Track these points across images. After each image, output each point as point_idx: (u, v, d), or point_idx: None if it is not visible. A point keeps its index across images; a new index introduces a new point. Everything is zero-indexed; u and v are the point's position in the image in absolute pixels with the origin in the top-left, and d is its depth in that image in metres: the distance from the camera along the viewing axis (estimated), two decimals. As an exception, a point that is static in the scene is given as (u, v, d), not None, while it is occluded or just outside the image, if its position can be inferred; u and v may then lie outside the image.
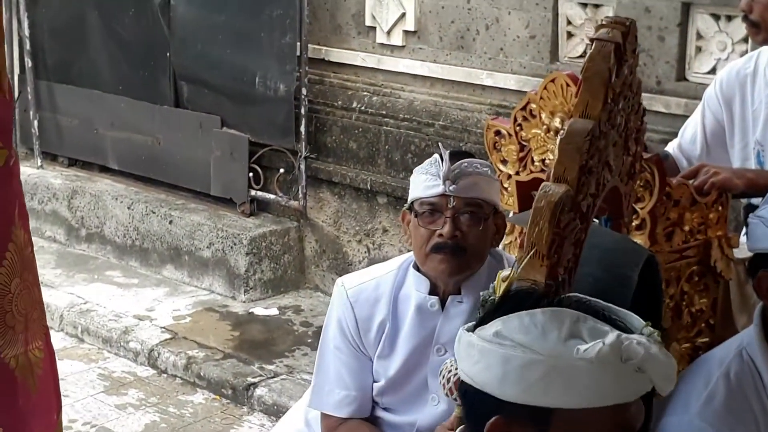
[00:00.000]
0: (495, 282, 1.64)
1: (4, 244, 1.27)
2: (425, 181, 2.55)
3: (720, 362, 2.19)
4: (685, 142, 3.62)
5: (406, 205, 2.63)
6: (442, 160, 2.53)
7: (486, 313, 1.60)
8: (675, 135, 4.05)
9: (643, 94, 2.43)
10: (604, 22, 2.08)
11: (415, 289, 2.61)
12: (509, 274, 1.63)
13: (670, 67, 4.68)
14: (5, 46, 1.43)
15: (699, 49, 4.65)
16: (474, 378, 1.55)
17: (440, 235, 2.51)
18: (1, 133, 1.24)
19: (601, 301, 1.60)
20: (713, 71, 4.57)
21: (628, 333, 1.52)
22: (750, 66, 3.43)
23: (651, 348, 1.49)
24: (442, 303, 2.60)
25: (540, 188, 1.82)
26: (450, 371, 2.25)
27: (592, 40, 2.03)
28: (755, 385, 2.16)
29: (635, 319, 1.56)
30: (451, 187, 2.51)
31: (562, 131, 1.89)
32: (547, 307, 1.55)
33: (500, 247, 3.01)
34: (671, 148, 3.63)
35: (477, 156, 2.72)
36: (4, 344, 1.31)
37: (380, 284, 2.65)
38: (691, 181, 2.92)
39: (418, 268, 2.64)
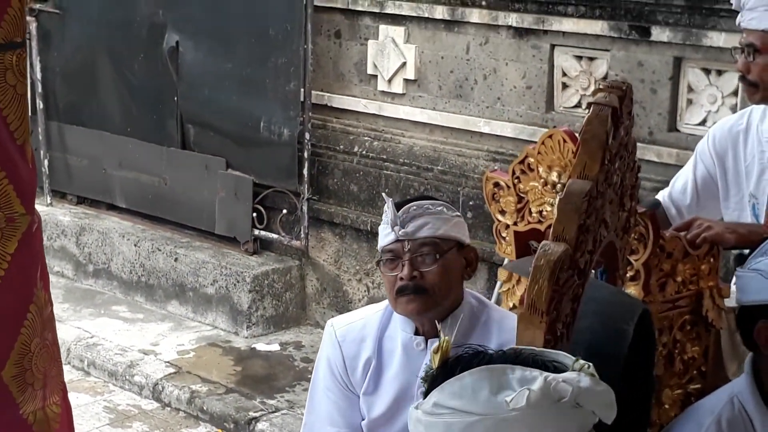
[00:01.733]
0: (430, 356, 1.64)
1: (26, 306, 1.27)
2: (383, 231, 2.60)
3: (712, 410, 2.19)
4: (676, 192, 3.63)
5: (377, 257, 2.66)
6: (389, 207, 2.56)
7: (428, 387, 1.60)
8: (667, 183, 4.06)
9: (636, 144, 2.44)
10: (601, 86, 2.10)
11: (401, 329, 2.62)
12: (439, 344, 1.62)
13: (662, 119, 4.71)
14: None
15: (690, 102, 4.67)
16: None
17: (401, 278, 2.54)
18: (25, 200, 1.26)
19: (531, 347, 1.61)
20: (704, 123, 4.60)
21: (560, 372, 1.52)
22: (743, 123, 3.45)
23: (581, 382, 1.50)
24: (426, 344, 2.61)
25: (540, 247, 1.83)
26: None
27: (589, 104, 2.04)
28: None
29: (566, 357, 1.57)
30: (400, 232, 2.54)
31: (560, 192, 1.91)
32: (478, 365, 1.55)
33: (494, 294, 3.01)
34: (661, 196, 3.64)
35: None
36: (23, 401, 1.32)
37: (367, 324, 2.67)
38: (683, 233, 2.93)
39: None
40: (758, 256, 2.28)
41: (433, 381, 1.58)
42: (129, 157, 6.46)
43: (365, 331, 2.66)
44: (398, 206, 2.57)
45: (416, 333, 2.60)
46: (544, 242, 1.84)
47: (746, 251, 3.48)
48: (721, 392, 2.25)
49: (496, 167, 5.15)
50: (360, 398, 2.65)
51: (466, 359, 1.56)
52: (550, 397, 1.48)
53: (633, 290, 2.71)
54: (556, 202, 1.90)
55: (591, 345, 2.08)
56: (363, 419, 2.67)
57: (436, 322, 2.47)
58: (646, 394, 2.33)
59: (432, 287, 2.52)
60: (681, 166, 3.85)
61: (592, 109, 2.03)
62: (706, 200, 3.55)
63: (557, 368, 1.53)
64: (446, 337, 1.58)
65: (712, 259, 2.91)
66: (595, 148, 1.98)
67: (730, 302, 3.03)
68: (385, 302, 2.70)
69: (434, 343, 2.54)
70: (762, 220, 3.21)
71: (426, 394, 1.61)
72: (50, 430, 1.42)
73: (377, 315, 2.66)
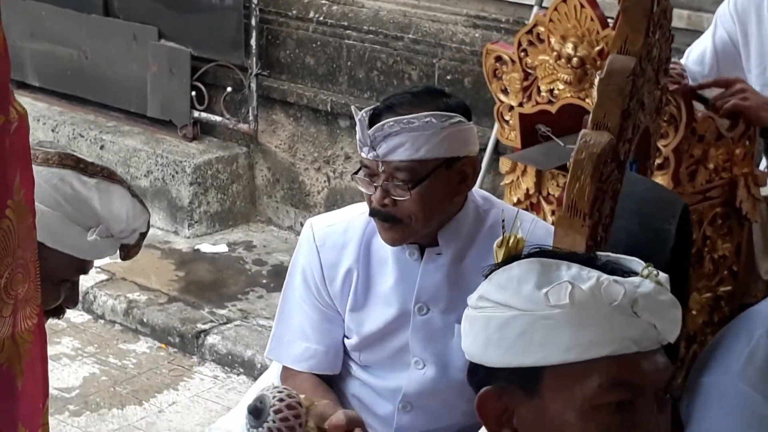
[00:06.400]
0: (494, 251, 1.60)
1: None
2: (359, 140, 2.50)
3: (764, 318, 2.21)
4: (692, 62, 3.60)
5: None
6: (359, 121, 2.46)
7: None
8: (678, 52, 4.01)
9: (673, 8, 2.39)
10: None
11: None
12: (504, 239, 1.59)
13: (671, -25, 4.65)
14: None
15: (704, -48, 4.62)
16: (468, 351, 1.56)
17: (372, 201, 2.50)
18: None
19: (607, 254, 1.57)
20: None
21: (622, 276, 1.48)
22: None
23: (640, 287, 1.46)
24: (422, 252, 2.58)
25: (580, 137, 1.80)
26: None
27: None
28: None
29: (638, 264, 1.53)
30: (370, 154, 2.45)
31: (600, 71, 1.87)
32: None
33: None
34: None
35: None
36: (-14, 329, 1.28)
37: (350, 227, 2.63)
38: (716, 99, 2.91)
39: None
40: None
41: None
42: (42, 27, 6.32)
43: (347, 236, 2.62)
44: (374, 118, 2.45)
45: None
46: (584, 132, 1.80)
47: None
48: None
49: (476, 34, 5.11)
50: (347, 315, 2.63)
51: (532, 255, 1.52)
52: (598, 297, 1.44)
53: (661, 180, 2.70)
54: (596, 82, 1.86)
55: (629, 248, 2.05)
56: (347, 338, 2.66)
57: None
58: (685, 300, 2.34)
59: (408, 217, 2.46)
60: (694, 32, 3.82)
61: (633, -30, 1.98)
62: (726, 71, 3.53)
63: (627, 274, 1.49)
64: (520, 236, 1.55)
65: (747, 142, 2.91)
66: (638, 18, 1.94)
67: (765, 191, 3.05)
68: None
69: (432, 253, 2.55)
70: None
71: None
72: (20, 360, 1.38)
73: (362, 218, 2.61)
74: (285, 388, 2.04)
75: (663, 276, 1.50)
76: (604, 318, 1.45)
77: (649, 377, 1.47)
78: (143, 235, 2.12)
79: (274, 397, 1.99)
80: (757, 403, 2.14)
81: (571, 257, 1.53)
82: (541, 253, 1.54)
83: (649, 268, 1.49)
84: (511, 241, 1.57)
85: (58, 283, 2.12)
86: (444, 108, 2.48)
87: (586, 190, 1.76)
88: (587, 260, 1.53)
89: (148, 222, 2.11)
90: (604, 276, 1.46)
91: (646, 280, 1.47)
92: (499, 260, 1.58)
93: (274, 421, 1.97)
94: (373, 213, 2.50)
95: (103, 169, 2.03)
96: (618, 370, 1.45)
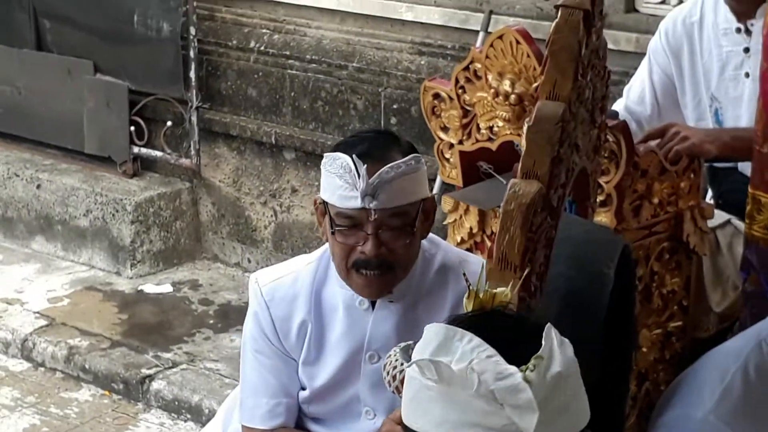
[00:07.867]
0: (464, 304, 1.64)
1: None
2: (340, 189, 2.46)
3: (737, 354, 2.25)
4: (632, 103, 3.65)
5: (319, 197, 2.55)
6: (357, 170, 2.42)
7: None
8: (626, 75, 4.09)
9: (607, 46, 2.42)
10: (569, -16, 2.07)
11: (339, 286, 2.60)
12: (472, 292, 1.62)
13: (617, -2, 4.71)
14: None
15: (650, -24, 4.68)
16: None
17: (362, 252, 2.47)
18: None
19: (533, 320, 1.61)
20: (665, 0, 4.62)
21: (525, 359, 1.51)
22: (695, 13, 3.49)
23: (505, 381, 1.49)
24: (373, 301, 2.59)
25: (509, 187, 1.82)
26: (395, 367, 2.25)
27: (557, 7, 2.02)
28: None
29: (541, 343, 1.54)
30: (371, 204, 2.44)
31: (528, 117, 1.89)
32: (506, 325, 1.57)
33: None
34: (617, 108, 3.65)
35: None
36: None
37: (298, 279, 2.64)
38: (657, 144, 2.96)
39: None
40: None
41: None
42: (-28, 63, 6.28)
43: (296, 288, 2.62)
44: (361, 157, 2.43)
45: None
46: (513, 181, 1.83)
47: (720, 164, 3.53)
48: (746, 335, 2.32)
49: (422, 62, 5.13)
50: (299, 367, 2.64)
51: (498, 315, 1.58)
52: (463, 381, 1.50)
53: (604, 218, 2.73)
54: (525, 130, 1.89)
55: (567, 295, 2.09)
56: (302, 389, 2.67)
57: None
58: (629, 341, 2.36)
59: (399, 262, 2.48)
60: (642, 55, 3.87)
61: (560, 13, 2.01)
62: (668, 108, 3.59)
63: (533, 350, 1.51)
64: (499, 291, 1.58)
65: (692, 175, 2.95)
66: (566, 62, 1.97)
67: (712, 223, 3.09)
68: (317, 253, 2.67)
69: (384, 301, 2.56)
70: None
71: None
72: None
73: (309, 268, 2.62)
74: None
75: (539, 368, 1.50)
76: (469, 401, 1.50)
77: None
78: None
79: None
80: None
81: (495, 323, 1.56)
82: (480, 316, 1.58)
83: (535, 360, 1.49)
84: (482, 294, 1.60)
85: None
86: (407, 147, 2.55)
87: (516, 241, 1.78)
88: (507, 327, 1.56)
89: None
90: (477, 360, 1.50)
91: (516, 375, 1.49)
92: (468, 309, 1.64)
93: None
94: (361, 264, 2.48)
95: None
96: None
